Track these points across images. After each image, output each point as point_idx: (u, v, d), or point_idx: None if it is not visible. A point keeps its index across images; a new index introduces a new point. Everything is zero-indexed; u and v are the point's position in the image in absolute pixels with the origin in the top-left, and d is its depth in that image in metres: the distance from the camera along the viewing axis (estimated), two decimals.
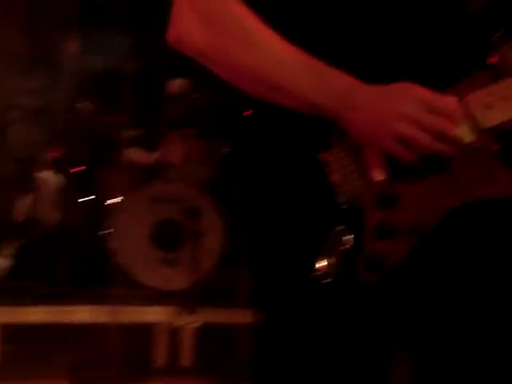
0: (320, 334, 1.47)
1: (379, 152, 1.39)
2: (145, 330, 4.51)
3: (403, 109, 1.36)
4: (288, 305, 1.48)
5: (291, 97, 1.43)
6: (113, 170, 5.34)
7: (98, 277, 4.86)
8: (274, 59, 1.44)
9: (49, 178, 5.44)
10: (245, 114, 1.59)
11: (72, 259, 5.03)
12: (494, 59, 1.43)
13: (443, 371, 1.45)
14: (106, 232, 4.98)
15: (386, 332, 1.48)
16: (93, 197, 5.35)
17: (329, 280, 1.39)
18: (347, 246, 1.39)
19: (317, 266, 1.40)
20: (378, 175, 1.39)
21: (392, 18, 1.45)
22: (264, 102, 1.47)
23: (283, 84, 1.43)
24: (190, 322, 4.52)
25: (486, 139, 1.39)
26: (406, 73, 1.41)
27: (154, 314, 4.58)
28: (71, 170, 5.36)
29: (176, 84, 5.61)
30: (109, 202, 5.21)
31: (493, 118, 1.39)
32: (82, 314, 4.53)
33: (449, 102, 1.37)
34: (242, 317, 4.63)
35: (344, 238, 1.40)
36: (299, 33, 1.49)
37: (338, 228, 1.40)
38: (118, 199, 5.11)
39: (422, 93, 1.37)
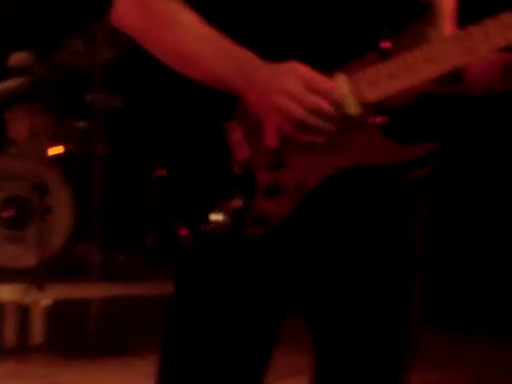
0: (211, 289, 1.62)
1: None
2: None
3: (285, 84, 1.52)
4: (185, 260, 1.64)
5: (204, 70, 1.60)
6: None
7: None
8: (192, 37, 1.61)
9: None
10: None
11: None
12: (384, 44, 1.57)
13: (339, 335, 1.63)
14: None
15: (277, 291, 1.62)
16: None
17: (219, 234, 1.55)
18: (239, 204, 1.56)
19: (210, 219, 1.56)
20: (270, 141, 1.55)
21: (290, 5, 1.63)
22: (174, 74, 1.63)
23: (199, 58, 1.60)
24: (39, 299, 4.47)
25: (369, 112, 1.54)
26: (303, 54, 1.56)
27: (1, 293, 4.50)
28: None
29: (18, 57, 5.47)
30: None
31: (377, 92, 1.54)
32: None
33: (327, 81, 1.53)
34: (92, 292, 4.66)
35: (237, 197, 1.56)
36: (209, 16, 1.64)
37: (233, 187, 1.57)
38: None
39: (304, 71, 1.52)
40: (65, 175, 4.93)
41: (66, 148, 5.09)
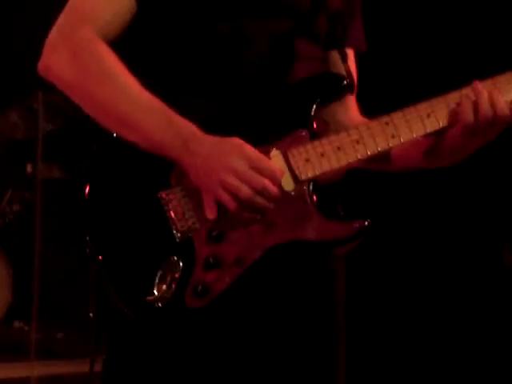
0: (153, 357, 1.67)
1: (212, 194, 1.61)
2: None
3: (232, 163, 1.59)
4: (128, 330, 1.66)
5: (140, 134, 1.63)
6: None
7: None
8: (129, 98, 1.65)
9: None
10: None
11: None
12: (313, 120, 1.73)
13: None
14: None
15: (212, 360, 1.69)
16: None
17: (161, 305, 1.59)
18: (178, 275, 1.60)
19: (150, 290, 1.59)
20: (210, 213, 1.61)
21: (227, 84, 1.74)
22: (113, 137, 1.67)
23: (135, 121, 1.64)
24: None
25: (303, 189, 1.66)
26: (240, 128, 1.66)
27: None
28: None
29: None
30: None
31: (311, 170, 1.67)
32: None
33: (272, 164, 1.64)
34: (30, 370, 4.54)
35: (176, 268, 1.60)
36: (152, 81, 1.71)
37: (172, 258, 1.61)
38: None
39: (250, 151, 1.62)
40: (3, 249, 4.85)
41: (4, 221, 5.02)
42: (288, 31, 1.81)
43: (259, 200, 1.60)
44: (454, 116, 1.71)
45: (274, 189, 1.61)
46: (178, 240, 1.61)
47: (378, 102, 2.00)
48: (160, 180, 1.63)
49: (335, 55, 1.89)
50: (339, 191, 1.77)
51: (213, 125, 1.65)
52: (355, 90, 1.88)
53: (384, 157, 1.81)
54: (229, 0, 1.76)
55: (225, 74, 1.74)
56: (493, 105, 1.70)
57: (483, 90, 1.71)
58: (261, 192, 1.60)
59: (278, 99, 1.74)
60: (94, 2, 1.75)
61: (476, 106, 1.70)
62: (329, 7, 1.88)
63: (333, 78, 1.80)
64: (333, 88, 1.78)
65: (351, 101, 1.94)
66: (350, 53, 1.97)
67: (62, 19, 1.75)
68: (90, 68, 1.67)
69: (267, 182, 1.60)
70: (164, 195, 1.62)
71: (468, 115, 1.69)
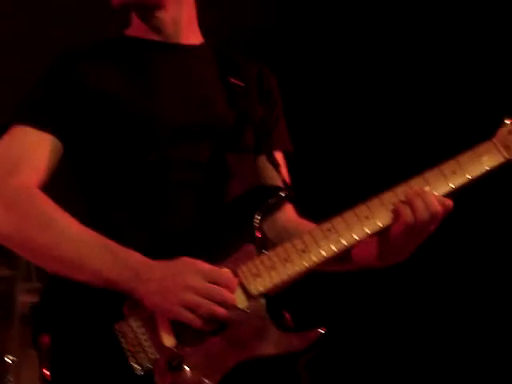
0: None
1: (168, 320, 1.60)
2: None
3: (188, 281, 1.61)
4: None
5: (88, 273, 1.64)
6: None
7: None
8: (70, 239, 1.65)
9: None
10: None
11: None
12: (257, 234, 1.73)
13: None
14: None
15: None
16: None
17: None
18: None
19: None
20: (168, 341, 1.59)
21: (167, 212, 1.77)
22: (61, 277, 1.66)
23: (80, 261, 1.64)
24: None
25: (257, 304, 1.66)
26: (187, 250, 1.67)
27: None
28: None
29: None
30: None
31: (260, 285, 1.67)
32: None
33: (224, 272, 1.65)
34: None
35: None
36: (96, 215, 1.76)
37: None
38: None
39: (202, 266, 1.63)
40: None
41: None
42: (218, 150, 1.84)
43: (220, 311, 1.60)
44: (393, 217, 1.73)
45: (230, 296, 1.61)
46: (138, 373, 1.59)
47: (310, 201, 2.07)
48: (113, 313, 1.62)
49: (267, 165, 1.94)
50: (286, 300, 1.77)
51: (158, 253, 1.65)
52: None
53: (343, 257, 1.82)
54: (153, 131, 1.79)
55: (161, 200, 1.76)
56: (428, 206, 1.71)
57: (416, 193, 1.71)
58: (221, 302, 1.60)
59: (218, 219, 1.75)
60: (18, 153, 1.74)
61: (412, 209, 1.71)
62: (253, 118, 1.92)
63: (270, 191, 1.83)
64: (272, 200, 1.79)
65: (288, 206, 1.97)
66: (279, 155, 2.02)
67: None
68: (26, 217, 1.66)
69: (225, 292, 1.61)
70: (118, 328, 1.61)
71: (408, 217, 1.71)
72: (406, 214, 1.71)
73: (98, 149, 1.83)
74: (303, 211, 2.04)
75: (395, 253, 1.81)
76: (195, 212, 1.78)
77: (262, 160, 1.98)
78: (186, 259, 1.64)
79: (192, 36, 2.09)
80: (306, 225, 1.97)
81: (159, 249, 1.69)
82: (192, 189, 1.81)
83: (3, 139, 1.82)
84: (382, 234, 1.78)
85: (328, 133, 4.29)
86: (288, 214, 1.99)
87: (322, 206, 1.88)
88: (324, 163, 4.25)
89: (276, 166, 1.94)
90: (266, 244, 1.76)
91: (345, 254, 1.80)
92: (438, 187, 1.76)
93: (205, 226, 1.75)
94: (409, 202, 1.72)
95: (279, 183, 1.92)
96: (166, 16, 2.03)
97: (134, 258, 1.64)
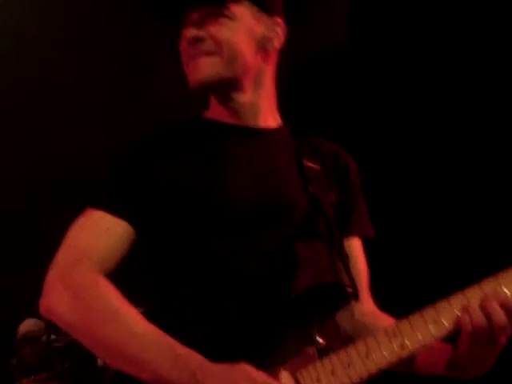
0: None
1: None
2: None
3: None
4: None
5: (148, 372, 1.62)
6: None
7: None
8: (134, 335, 1.63)
9: None
10: None
11: None
12: (320, 338, 1.71)
13: None
14: None
15: None
16: None
17: None
18: None
19: None
20: None
21: (230, 308, 1.75)
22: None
23: (141, 359, 1.62)
24: None
25: None
26: (246, 352, 1.65)
27: None
28: None
29: (28, 325, 5.49)
30: None
31: None
32: None
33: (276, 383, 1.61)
34: None
35: None
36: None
37: None
38: None
39: (258, 377, 1.60)
40: None
41: None
42: (287, 237, 1.83)
43: None
44: (463, 321, 1.66)
45: None
46: None
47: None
48: None
49: (336, 255, 1.89)
50: None
51: (219, 350, 1.65)
52: (367, 288, 1.89)
53: (408, 362, 1.78)
54: (222, 218, 1.80)
55: (223, 290, 1.75)
56: (505, 308, 1.65)
57: (489, 295, 1.65)
58: None
59: (280, 317, 1.73)
60: (90, 237, 1.76)
61: (485, 312, 1.65)
62: (326, 204, 1.90)
63: (335, 289, 1.79)
64: (335, 299, 1.77)
65: (356, 305, 1.92)
66: (357, 242, 2.00)
67: (58, 257, 1.76)
68: (91, 308, 1.66)
69: None
70: None
71: (467, 326, 1.65)
72: (478, 317, 1.65)
73: (168, 235, 1.83)
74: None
75: (469, 362, 1.74)
76: (257, 304, 1.75)
77: (333, 249, 1.93)
78: (243, 367, 1.61)
79: (270, 118, 2.07)
80: (382, 320, 1.93)
81: (219, 344, 1.68)
82: (256, 279, 1.78)
83: (76, 222, 1.82)
84: (451, 340, 1.73)
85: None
86: (364, 306, 1.95)
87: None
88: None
89: (344, 258, 1.89)
90: (329, 346, 1.72)
91: (410, 359, 1.76)
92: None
93: (266, 322, 1.72)
94: (482, 305, 1.66)
95: (345, 278, 1.85)
96: (244, 99, 2.01)
97: (195, 359, 1.61)
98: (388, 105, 4.41)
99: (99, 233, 1.77)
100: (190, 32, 1.92)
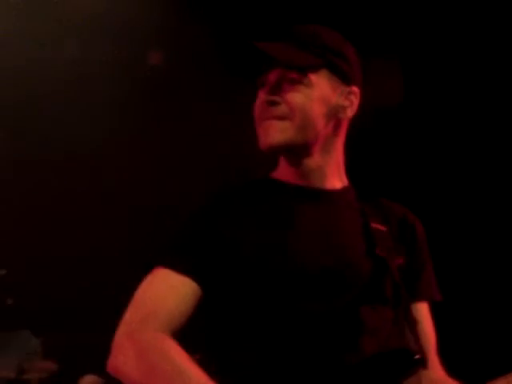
0: None
1: None
2: None
3: None
4: None
5: None
6: None
7: None
8: None
9: None
10: None
11: None
12: None
13: None
14: None
15: None
16: None
17: None
18: None
19: None
20: None
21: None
22: None
23: None
24: None
25: None
26: None
27: None
28: None
29: (87, 381, 5.51)
30: None
31: None
32: None
33: None
34: None
35: None
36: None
37: None
38: None
39: None
40: None
41: None
42: (354, 301, 1.82)
43: None
44: None
45: None
46: None
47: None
48: None
49: (403, 321, 1.86)
50: None
51: None
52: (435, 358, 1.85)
53: None
54: (286, 282, 1.80)
55: (286, 355, 1.75)
56: None
57: None
58: None
59: None
60: (156, 297, 1.77)
61: None
62: (392, 267, 1.90)
63: (402, 355, 1.77)
64: (403, 366, 1.74)
65: (425, 372, 1.86)
66: (424, 306, 1.98)
67: (126, 316, 1.77)
68: (156, 367, 1.66)
69: None
70: None
71: None
72: None
73: (233, 295, 1.84)
74: None
75: None
76: (323, 371, 1.73)
77: (399, 314, 1.92)
78: None
79: (336, 180, 2.09)
80: None
81: None
82: (322, 344, 1.77)
83: (145, 281, 1.84)
84: None
85: None
86: (433, 372, 1.90)
87: None
88: None
89: (412, 323, 1.88)
90: None
91: None
92: None
93: None
94: None
95: (413, 344, 1.83)
96: (312, 163, 2.03)
97: None
98: (449, 161, 4.39)
99: (166, 291, 1.79)
100: (266, 95, 1.96)
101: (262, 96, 1.98)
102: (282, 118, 1.94)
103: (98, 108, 4.62)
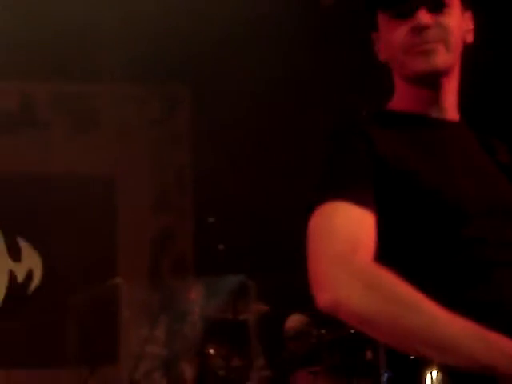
0: None
1: None
2: None
3: None
4: None
5: (462, 359, 1.59)
6: None
7: None
8: (439, 322, 1.60)
9: None
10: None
11: None
12: None
13: None
14: None
15: None
16: None
17: None
18: None
19: None
20: None
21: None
22: None
23: (453, 346, 1.59)
24: None
25: None
26: None
27: None
28: None
29: (294, 320, 5.68)
30: None
31: None
32: None
33: None
34: None
35: None
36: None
37: None
38: None
39: None
40: None
41: None
42: (504, 235, 1.78)
43: None
44: None
45: None
46: None
47: None
48: None
49: None
50: None
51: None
52: None
53: None
54: (460, 209, 1.77)
55: (475, 280, 1.73)
56: None
57: None
58: None
59: None
60: (353, 229, 1.72)
61: None
62: None
63: None
64: None
65: None
66: None
67: (327, 250, 1.71)
68: (390, 297, 1.63)
69: None
70: None
71: None
72: None
73: (399, 225, 1.80)
74: None
75: None
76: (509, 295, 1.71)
77: None
78: None
79: (455, 111, 2.03)
80: None
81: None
82: (505, 269, 1.75)
83: (326, 214, 1.77)
84: None
85: None
86: None
87: None
88: None
89: None
90: None
91: None
92: None
93: None
94: None
95: None
96: (446, 91, 1.99)
97: (505, 343, 1.59)
98: None
99: (356, 224, 1.75)
100: (420, 19, 1.91)
101: (405, 26, 1.93)
102: (439, 41, 1.92)
103: None
